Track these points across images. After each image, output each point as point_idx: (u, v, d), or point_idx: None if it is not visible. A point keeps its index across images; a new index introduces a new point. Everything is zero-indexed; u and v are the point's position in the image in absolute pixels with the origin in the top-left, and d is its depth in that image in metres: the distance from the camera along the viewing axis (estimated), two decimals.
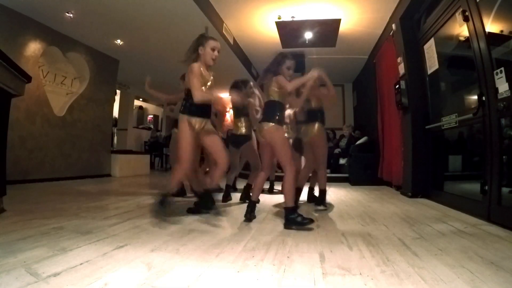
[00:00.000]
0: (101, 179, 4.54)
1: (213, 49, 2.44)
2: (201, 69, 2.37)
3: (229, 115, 9.64)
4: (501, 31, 2.48)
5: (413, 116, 3.72)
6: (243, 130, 3.34)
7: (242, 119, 3.34)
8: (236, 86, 3.23)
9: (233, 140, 3.41)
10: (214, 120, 3.48)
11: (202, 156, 3.58)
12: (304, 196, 3.18)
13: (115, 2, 3.97)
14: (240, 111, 3.35)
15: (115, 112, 7.73)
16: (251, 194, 2.55)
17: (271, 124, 2.22)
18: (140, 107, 10.66)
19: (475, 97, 2.58)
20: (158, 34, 4.92)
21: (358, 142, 5.62)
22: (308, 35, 5.07)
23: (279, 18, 4.67)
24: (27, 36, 4.26)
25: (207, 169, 3.68)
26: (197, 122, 2.29)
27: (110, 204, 2.81)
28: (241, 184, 3.78)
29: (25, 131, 4.31)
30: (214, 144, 2.37)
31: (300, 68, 6.51)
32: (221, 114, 4.06)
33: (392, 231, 2.02)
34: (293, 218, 2.05)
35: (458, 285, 1.16)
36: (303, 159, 3.23)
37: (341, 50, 5.82)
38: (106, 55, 5.81)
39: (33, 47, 4.36)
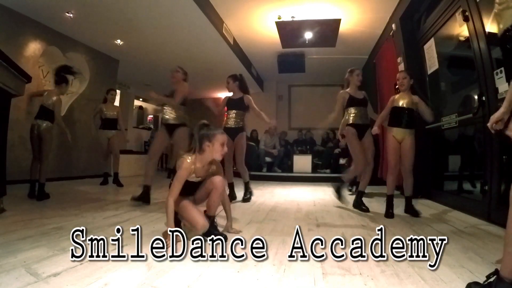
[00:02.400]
0: (101, 179, 4.53)
1: None
2: None
3: None
4: None
5: None
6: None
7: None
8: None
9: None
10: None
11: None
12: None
13: (115, 2, 3.96)
14: None
15: None
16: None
17: None
18: (140, 107, 10.64)
19: (475, 97, 2.58)
20: (158, 34, 4.92)
21: None
22: (308, 35, 5.08)
23: (279, 18, 4.67)
24: (27, 36, 4.26)
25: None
26: None
27: (110, 204, 2.81)
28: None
29: (25, 131, 4.29)
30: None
31: (300, 68, 6.53)
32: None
33: (392, 231, 2.02)
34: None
35: (458, 285, 1.16)
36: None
37: (341, 50, 5.82)
38: (106, 55, 5.80)
39: (33, 47, 4.35)
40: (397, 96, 2.78)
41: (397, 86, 2.84)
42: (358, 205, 2.88)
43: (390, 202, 2.68)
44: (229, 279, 1.21)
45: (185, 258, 1.42)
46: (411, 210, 2.63)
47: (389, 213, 2.58)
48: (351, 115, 2.94)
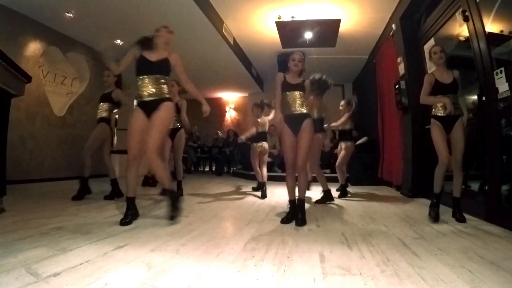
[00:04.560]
0: (101, 179, 4.52)
1: None
2: None
3: (229, 115, 9.65)
4: (501, 31, 2.48)
5: (413, 116, 3.72)
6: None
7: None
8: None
9: None
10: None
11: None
12: None
13: (115, 2, 3.96)
14: None
15: None
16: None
17: None
18: None
19: (475, 97, 2.58)
20: None
21: (358, 142, 5.62)
22: (308, 35, 5.07)
23: (279, 18, 4.67)
24: (27, 36, 4.26)
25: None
26: None
27: (110, 204, 2.81)
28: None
29: (25, 131, 4.31)
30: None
31: None
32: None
33: (392, 231, 2.02)
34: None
35: (458, 285, 1.16)
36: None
37: (341, 50, 5.82)
38: None
39: (33, 47, 4.35)
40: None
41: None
42: (454, 214, 2.41)
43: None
44: (229, 279, 1.21)
45: (184, 258, 1.43)
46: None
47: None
48: (438, 104, 2.43)
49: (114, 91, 3.27)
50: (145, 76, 2.20)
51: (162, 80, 2.23)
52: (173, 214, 2.19)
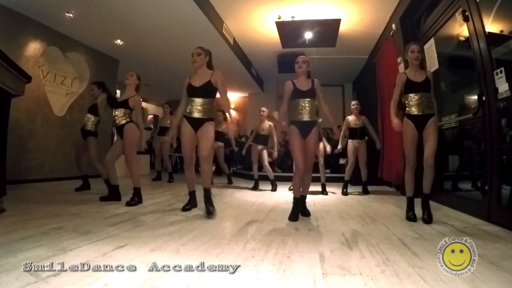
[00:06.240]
0: (101, 179, 4.53)
1: None
2: None
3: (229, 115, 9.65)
4: (501, 31, 2.48)
5: None
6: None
7: None
8: None
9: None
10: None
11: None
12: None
13: (115, 3, 3.96)
14: None
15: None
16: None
17: None
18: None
19: (475, 97, 2.58)
20: (158, 34, 4.92)
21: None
22: (308, 35, 5.07)
23: (279, 18, 4.67)
24: (27, 36, 4.26)
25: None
26: None
27: (110, 204, 2.81)
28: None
29: (25, 131, 4.31)
30: None
31: None
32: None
33: (392, 231, 2.02)
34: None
35: (458, 285, 1.16)
36: None
37: (341, 50, 5.82)
38: (106, 55, 5.80)
39: (33, 47, 4.35)
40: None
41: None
42: (422, 213, 2.33)
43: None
44: (229, 279, 1.21)
45: (184, 258, 1.43)
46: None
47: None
48: (411, 103, 2.37)
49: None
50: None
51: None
52: (210, 210, 2.41)
